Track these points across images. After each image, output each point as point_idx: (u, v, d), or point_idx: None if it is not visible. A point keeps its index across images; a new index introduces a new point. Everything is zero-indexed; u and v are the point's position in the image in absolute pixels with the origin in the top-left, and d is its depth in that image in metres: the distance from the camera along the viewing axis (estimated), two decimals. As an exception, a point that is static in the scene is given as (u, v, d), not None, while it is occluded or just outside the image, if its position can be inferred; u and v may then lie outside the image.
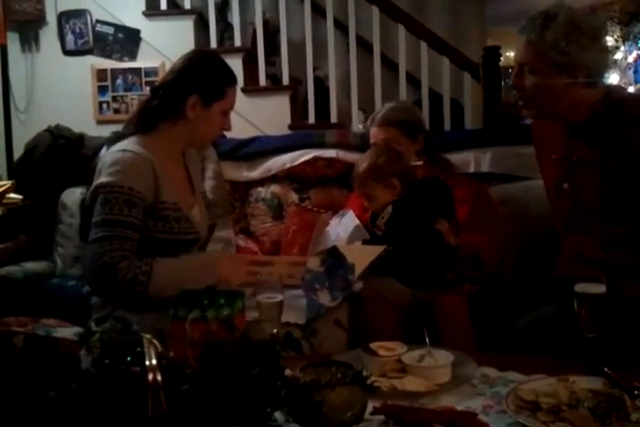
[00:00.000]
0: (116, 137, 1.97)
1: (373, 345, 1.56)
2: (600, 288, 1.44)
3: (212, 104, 1.93)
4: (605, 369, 1.38)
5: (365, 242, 2.22)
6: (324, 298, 2.01)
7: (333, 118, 3.83)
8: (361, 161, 2.32)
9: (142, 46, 3.96)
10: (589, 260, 1.90)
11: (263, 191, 3.09)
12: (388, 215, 2.21)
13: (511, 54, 10.31)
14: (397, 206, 2.20)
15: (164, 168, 1.90)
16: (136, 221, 1.80)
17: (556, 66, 1.87)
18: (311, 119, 3.86)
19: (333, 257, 2.02)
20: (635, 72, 6.13)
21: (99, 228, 1.78)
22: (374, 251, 2.09)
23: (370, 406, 1.27)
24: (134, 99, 3.94)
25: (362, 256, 2.06)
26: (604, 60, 1.93)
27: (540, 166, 2.16)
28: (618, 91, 2.03)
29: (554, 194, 2.05)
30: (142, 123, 1.96)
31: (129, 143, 1.90)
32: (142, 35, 3.96)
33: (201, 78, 1.94)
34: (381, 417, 1.24)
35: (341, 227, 2.30)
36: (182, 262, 1.85)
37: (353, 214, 2.33)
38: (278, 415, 1.17)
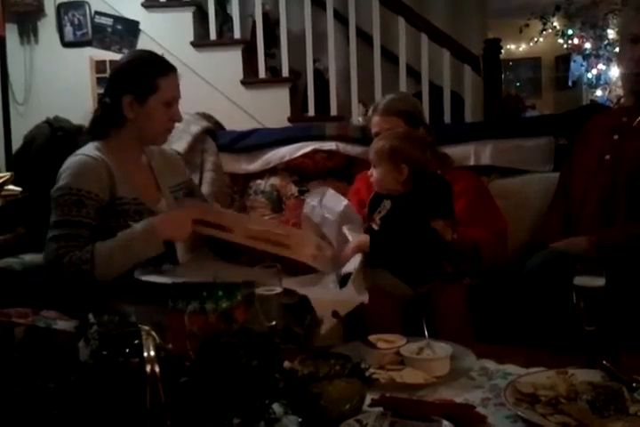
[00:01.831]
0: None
1: (372, 338, 1.56)
2: (599, 281, 1.44)
3: (147, 99, 1.97)
4: (604, 362, 1.39)
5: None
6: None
7: (333, 111, 3.82)
8: (387, 135, 2.28)
9: (141, 38, 3.94)
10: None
11: (262, 184, 3.08)
12: (385, 211, 2.20)
13: (512, 47, 10.32)
14: (397, 203, 2.19)
15: (122, 168, 1.99)
16: (86, 220, 1.89)
17: None
18: (311, 112, 3.85)
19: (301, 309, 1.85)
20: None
21: (50, 229, 1.90)
22: (350, 304, 1.85)
23: (368, 398, 1.27)
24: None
25: (336, 307, 1.79)
26: None
27: (576, 159, 2.28)
28: None
29: (594, 169, 2.17)
30: (94, 133, 2.06)
31: (86, 148, 2.01)
32: (141, 26, 3.94)
33: (126, 77, 1.99)
34: (380, 409, 1.24)
35: (326, 208, 2.26)
36: (119, 238, 1.88)
37: (334, 192, 2.31)
38: (277, 407, 1.17)
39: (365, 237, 2.15)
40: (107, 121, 2.03)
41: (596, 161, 2.19)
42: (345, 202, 2.27)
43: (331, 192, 2.32)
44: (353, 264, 2.06)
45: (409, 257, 2.13)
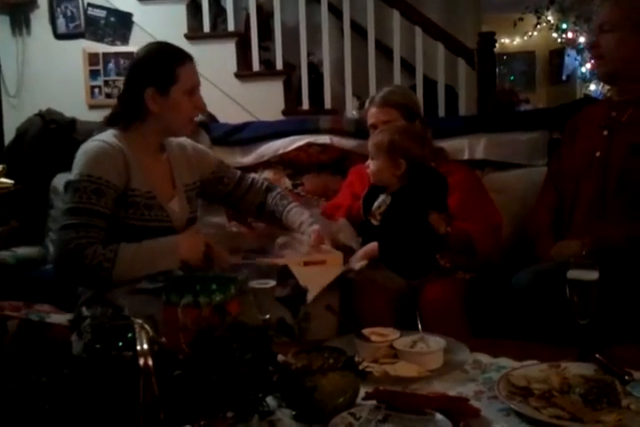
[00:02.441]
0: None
1: (366, 331, 1.56)
2: (592, 275, 1.45)
3: (170, 90, 1.94)
4: (597, 355, 1.39)
5: (360, 231, 2.23)
6: None
7: (327, 104, 3.81)
8: (386, 128, 2.28)
9: (134, 30, 3.91)
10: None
11: (256, 177, 3.07)
12: (385, 206, 2.20)
13: (506, 41, 10.29)
14: (396, 197, 2.19)
15: (139, 159, 1.95)
16: (103, 210, 1.85)
17: (635, 24, 2.09)
18: (305, 105, 3.84)
19: (282, 277, 1.90)
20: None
21: (66, 216, 1.84)
22: (331, 273, 2.01)
23: (362, 391, 1.27)
24: (126, 83, 3.91)
25: (317, 279, 1.93)
26: None
27: (565, 148, 2.28)
28: None
29: (584, 166, 2.16)
30: (113, 125, 2.01)
31: (103, 134, 1.97)
32: (134, 18, 3.92)
33: (146, 70, 1.95)
34: (373, 402, 1.24)
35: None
36: (143, 247, 1.87)
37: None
38: (270, 401, 1.17)
39: (374, 245, 2.16)
40: (128, 116, 1.98)
41: (587, 157, 2.17)
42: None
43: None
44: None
45: (407, 251, 2.13)
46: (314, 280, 1.87)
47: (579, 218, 2.14)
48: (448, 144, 2.71)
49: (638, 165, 2.04)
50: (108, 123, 2.02)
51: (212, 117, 3.32)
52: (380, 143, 2.22)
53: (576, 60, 8.35)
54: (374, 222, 2.20)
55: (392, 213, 2.17)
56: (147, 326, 1.01)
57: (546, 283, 1.84)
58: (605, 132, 2.16)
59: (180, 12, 3.92)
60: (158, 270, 1.82)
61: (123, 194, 1.90)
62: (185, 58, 1.98)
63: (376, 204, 2.23)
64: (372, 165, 2.24)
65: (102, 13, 3.93)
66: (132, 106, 1.96)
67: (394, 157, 2.18)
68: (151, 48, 2.03)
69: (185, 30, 3.86)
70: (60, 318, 1.54)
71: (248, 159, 3.09)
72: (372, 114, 2.46)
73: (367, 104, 2.55)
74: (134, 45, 3.90)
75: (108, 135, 1.96)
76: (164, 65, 1.94)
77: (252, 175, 2.45)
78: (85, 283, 1.86)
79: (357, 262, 2.14)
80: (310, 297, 1.84)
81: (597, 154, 2.15)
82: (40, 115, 3.33)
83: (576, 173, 2.19)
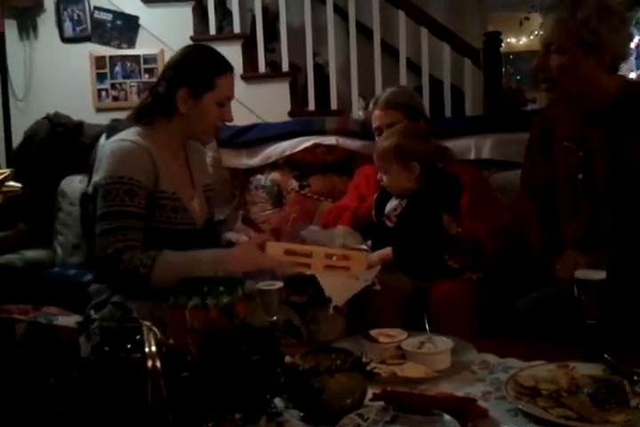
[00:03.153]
0: (116, 128, 1.99)
1: (373, 332, 1.56)
2: (600, 274, 1.44)
3: (202, 96, 1.93)
4: (605, 355, 1.39)
5: (374, 233, 2.23)
6: None
7: (333, 105, 3.80)
8: (387, 135, 2.27)
9: (141, 33, 3.92)
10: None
11: (263, 179, 3.08)
12: (401, 208, 2.19)
13: (512, 40, 10.24)
14: (412, 200, 2.18)
15: (163, 159, 1.92)
16: (137, 210, 1.82)
17: (585, 45, 1.86)
18: (311, 106, 3.84)
19: (302, 286, 1.95)
20: (636, 58, 6.10)
21: (101, 221, 1.82)
22: (356, 286, 1.93)
23: (369, 392, 1.27)
24: (133, 86, 3.91)
25: (342, 290, 1.89)
26: (628, 45, 1.97)
27: (538, 157, 2.11)
28: (636, 82, 2.03)
29: (565, 185, 2.01)
30: (139, 119, 1.98)
31: (127, 133, 1.93)
32: (141, 22, 3.92)
33: (187, 70, 1.94)
34: (381, 403, 1.24)
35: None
36: (187, 258, 1.82)
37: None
38: (278, 402, 1.17)
39: (389, 250, 2.15)
40: (156, 110, 1.96)
41: (568, 179, 1.99)
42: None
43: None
44: (369, 274, 2.08)
45: (423, 253, 2.13)
46: (339, 291, 1.85)
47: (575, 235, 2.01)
48: (454, 144, 2.71)
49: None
50: (136, 117, 1.99)
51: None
52: (385, 152, 2.20)
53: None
54: (389, 224, 2.20)
55: (409, 215, 2.16)
56: (154, 328, 1.01)
57: (546, 311, 1.83)
58: (581, 154, 1.97)
59: (186, 14, 3.92)
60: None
61: (151, 195, 1.87)
62: (226, 68, 1.97)
63: (391, 206, 2.22)
64: (385, 178, 2.22)
65: (108, 17, 3.94)
66: (162, 101, 1.94)
67: (404, 162, 2.17)
68: (197, 50, 2.02)
69: (191, 33, 3.87)
70: (67, 321, 1.55)
71: (254, 161, 3.10)
72: (376, 117, 2.46)
73: (371, 106, 2.55)
74: (141, 48, 3.92)
75: (133, 134, 1.92)
76: (204, 70, 1.93)
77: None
78: (124, 288, 1.82)
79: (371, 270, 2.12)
80: (331, 309, 1.84)
81: (580, 177, 1.97)
82: (47, 118, 3.35)
83: (562, 194, 2.03)
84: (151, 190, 1.87)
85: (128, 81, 3.94)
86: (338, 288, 1.87)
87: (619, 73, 2.01)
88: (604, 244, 1.90)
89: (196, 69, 1.94)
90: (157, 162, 1.89)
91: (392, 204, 2.22)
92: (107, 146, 1.91)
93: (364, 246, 2.21)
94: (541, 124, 2.12)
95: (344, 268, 1.91)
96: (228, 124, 3.03)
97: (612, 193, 1.90)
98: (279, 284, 1.58)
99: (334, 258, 1.91)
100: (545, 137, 2.09)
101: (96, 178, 1.87)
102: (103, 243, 1.79)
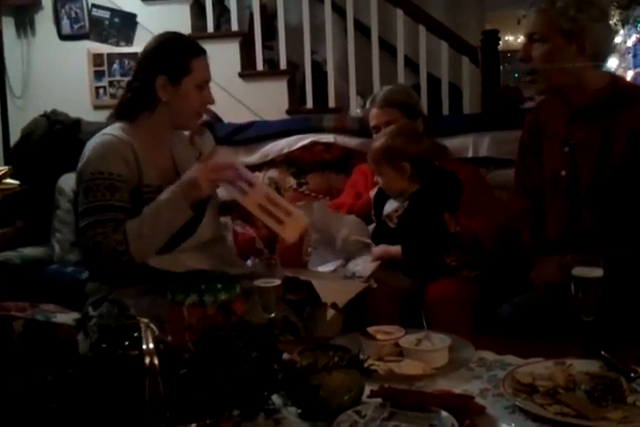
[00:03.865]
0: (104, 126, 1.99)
1: (371, 329, 1.56)
2: (597, 272, 1.45)
3: (181, 80, 1.92)
4: (602, 353, 1.39)
5: (374, 233, 2.23)
6: None
7: (331, 103, 3.81)
8: (378, 137, 2.28)
9: (139, 31, 3.92)
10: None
11: (261, 176, 3.08)
12: (402, 209, 2.19)
13: (510, 38, 10.20)
14: (414, 200, 2.18)
15: (147, 153, 1.92)
16: (118, 204, 1.83)
17: (565, 33, 1.89)
18: (309, 104, 3.84)
19: (297, 286, 1.94)
20: (634, 56, 6.10)
21: (83, 217, 1.83)
22: (354, 288, 1.97)
23: (367, 389, 1.28)
24: (131, 84, 3.92)
25: (340, 294, 1.90)
26: (610, 36, 1.97)
27: (529, 156, 2.12)
28: (623, 79, 2.03)
29: (550, 183, 2.01)
30: (121, 116, 1.98)
31: (111, 128, 1.94)
32: (138, 19, 3.92)
33: (162, 57, 1.94)
34: (378, 400, 1.24)
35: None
36: (146, 211, 1.81)
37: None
38: (276, 399, 1.17)
39: (397, 248, 2.15)
40: (137, 104, 1.95)
41: (552, 176, 2.01)
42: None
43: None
44: (368, 269, 2.10)
45: (425, 253, 2.13)
46: (335, 296, 1.84)
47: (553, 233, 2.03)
48: (452, 142, 2.71)
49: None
50: (117, 114, 1.99)
51: (217, 117, 3.33)
52: (376, 155, 2.21)
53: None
54: (391, 225, 2.20)
55: (410, 216, 2.16)
56: (152, 326, 1.01)
57: (528, 316, 1.83)
58: (567, 149, 1.97)
59: (184, 12, 3.92)
60: (170, 228, 1.79)
61: (137, 190, 1.87)
62: (199, 51, 1.97)
63: (392, 206, 2.22)
64: (380, 180, 2.24)
65: (106, 14, 3.94)
66: (142, 93, 1.93)
67: (395, 163, 2.18)
68: (167, 37, 2.01)
69: (189, 30, 3.86)
70: (65, 318, 1.55)
71: (253, 159, 3.10)
72: (374, 115, 2.46)
73: (368, 104, 2.55)
74: (138, 46, 3.91)
75: (115, 129, 1.93)
76: (178, 55, 1.93)
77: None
78: (115, 274, 1.82)
79: (368, 266, 2.13)
80: (330, 314, 1.84)
81: (563, 173, 1.97)
82: (45, 115, 3.35)
83: (545, 190, 2.04)
84: (136, 185, 1.87)
85: (126, 79, 3.91)
86: (334, 293, 1.87)
87: (618, 73, 2.01)
88: (585, 243, 1.89)
89: (171, 55, 1.93)
90: (140, 156, 1.89)
91: (392, 204, 2.22)
92: (90, 141, 1.92)
93: (368, 240, 2.21)
94: (532, 123, 2.13)
95: (277, 219, 1.84)
96: (226, 121, 3.04)
97: (593, 191, 1.91)
98: (277, 281, 1.58)
99: (273, 205, 1.85)
100: (536, 135, 2.10)
101: (77, 174, 1.88)
102: (84, 238, 1.80)
